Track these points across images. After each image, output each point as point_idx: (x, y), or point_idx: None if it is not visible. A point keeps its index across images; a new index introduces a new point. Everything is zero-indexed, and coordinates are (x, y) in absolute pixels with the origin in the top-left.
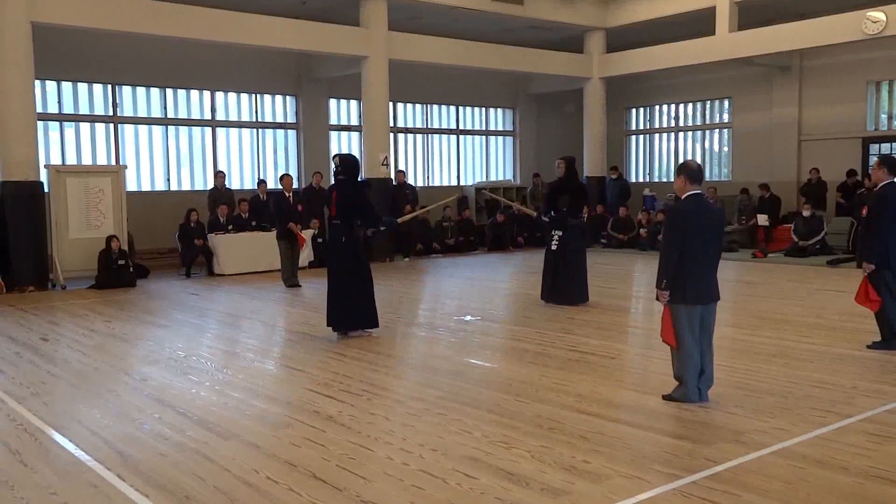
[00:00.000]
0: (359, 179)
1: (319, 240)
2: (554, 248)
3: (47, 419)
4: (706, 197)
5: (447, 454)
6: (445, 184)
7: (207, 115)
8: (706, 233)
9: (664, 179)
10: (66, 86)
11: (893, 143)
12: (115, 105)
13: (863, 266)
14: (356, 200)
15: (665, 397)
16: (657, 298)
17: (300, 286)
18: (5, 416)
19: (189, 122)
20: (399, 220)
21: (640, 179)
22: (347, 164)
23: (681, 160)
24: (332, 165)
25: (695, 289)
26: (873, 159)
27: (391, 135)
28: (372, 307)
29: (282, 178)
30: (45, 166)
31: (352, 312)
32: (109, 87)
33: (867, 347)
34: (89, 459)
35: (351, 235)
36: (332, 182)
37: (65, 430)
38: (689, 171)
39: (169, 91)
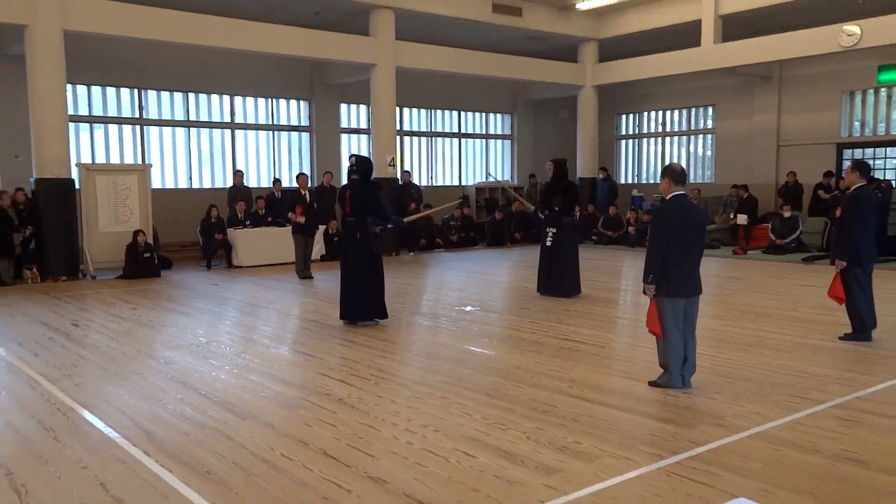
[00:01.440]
0: (370, 180)
1: (335, 238)
2: (549, 244)
3: (78, 399)
4: (690, 197)
5: (448, 434)
6: (448, 184)
7: (227, 118)
8: (690, 231)
9: (651, 181)
10: (96, 90)
11: (865, 149)
12: (141, 108)
13: (835, 263)
14: (369, 200)
15: (651, 383)
16: (644, 292)
17: (312, 278)
18: (39, 396)
19: (209, 125)
20: (405, 220)
21: (629, 181)
22: (363, 164)
23: (667, 163)
24: (348, 164)
25: (679, 283)
26: (846, 164)
27: (398, 137)
28: (382, 299)
29: (298, 176)
30: (77, 165)
31: (364, 304)
32: (136, 91)
33: (839, 339)
34: (117, 437)
35: (365, 232)
36: (346, 181)
37: (95, 410)
38: (674, 174)
39: (191, 95)
